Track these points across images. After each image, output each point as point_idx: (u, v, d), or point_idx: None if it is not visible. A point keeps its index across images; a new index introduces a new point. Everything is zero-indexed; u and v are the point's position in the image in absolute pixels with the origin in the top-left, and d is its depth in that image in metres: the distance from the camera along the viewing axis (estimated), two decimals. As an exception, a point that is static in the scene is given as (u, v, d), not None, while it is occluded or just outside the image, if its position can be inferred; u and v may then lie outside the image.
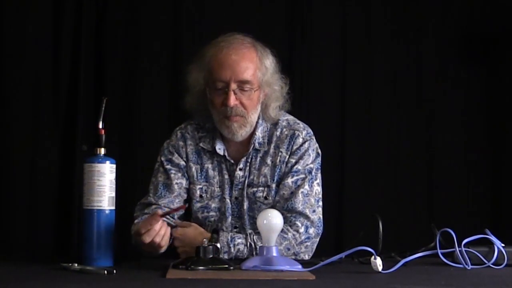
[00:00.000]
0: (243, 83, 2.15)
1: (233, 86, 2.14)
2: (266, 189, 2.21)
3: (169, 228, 1.99)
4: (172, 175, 2.24)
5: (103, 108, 1.96)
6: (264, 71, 2.20)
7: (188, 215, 2.29)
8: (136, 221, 2.18)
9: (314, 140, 2.27)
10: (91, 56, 3.40)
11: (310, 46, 3.50)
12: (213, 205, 2.24)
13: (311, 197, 2.19)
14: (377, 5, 3.57)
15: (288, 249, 2.10)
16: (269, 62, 2.22)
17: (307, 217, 2.15)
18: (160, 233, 1.93)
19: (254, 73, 2.17)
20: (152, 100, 3.42)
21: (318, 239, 2.18)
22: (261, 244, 1.89)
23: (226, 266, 1.80)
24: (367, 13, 3.56)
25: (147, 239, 1.92)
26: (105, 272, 1.72)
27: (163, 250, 1.99)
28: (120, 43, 3.44)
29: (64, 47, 3.38)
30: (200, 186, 2.25)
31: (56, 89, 3.38)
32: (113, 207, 1.94)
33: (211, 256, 1.80)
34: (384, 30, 3.56)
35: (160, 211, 1.99)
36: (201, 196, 2.25)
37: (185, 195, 2.26)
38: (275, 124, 2.25)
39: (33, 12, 3.38)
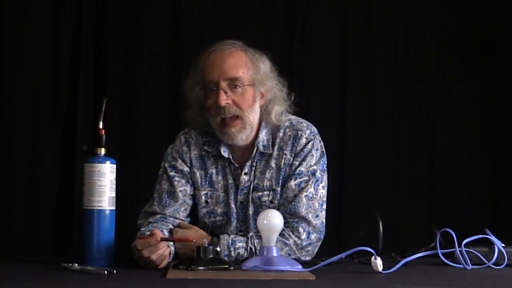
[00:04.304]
0: (232, 80, 2.13)
1: (223, 84, 2.12)
2: (271, 193, 2.19)
3: (168, 249, 1.95)
4: (176, 183, 2.21)
5: (103, 108, 1.96)
6: (255, 70, 2.18)
7: (194, 220, 2.26)
8: (142, 229, 2.13)
9: (319, 139, 2.22)
10: (91, 56, 3.40)
11: (310, 46, 3.50)
12: (219, 210, 2.22)
13: (315, 201, 2.16)
14: (377, 4, 3.57)
15: (289, 255, 2.08)
16: (261, 63, 2.20)
17: (309, 222, 2.12)
18: (158, 252, 1.88)
19: (244, 70, 2.15)
20: (152, 100, 3.42)
21: (319, 243, 2.16)
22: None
23: (227, 266, 1.80)
24: (367, 12, 3.56)
25: (146, 253, 1.88)
26: (105, 272, 1.72)
27: (161, 266, 1.91)
28: (120, 43, 3.44)
29: (64, 47, 3.38)
30: (205, 192, 2.23)
31: (56, 89, 3.38)
32: (113, 207, 1.94)
33: (211, 256, 1.80)
34: (384, 29, 3.55)
35: (160, 235, 1.90)
36: (206, 201, 2.23)
37: (190, 202, 2.23)
38: (278, 126, 2.22)
39: (33, 12, 3.38)
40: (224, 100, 2.12)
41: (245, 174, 2.20)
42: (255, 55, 2.20)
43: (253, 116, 2.17)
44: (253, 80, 2.17)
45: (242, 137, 2.16)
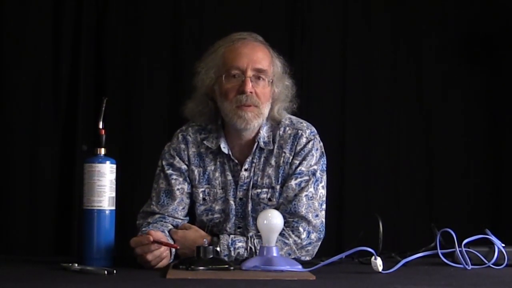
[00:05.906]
0: (259, 72, 2.15)
1: (250, 73, 2.13)
2: (270, 190, 2.19)
3: (168, 252, 1.94)
4: (173, 181, 2.20)
5: (103, 108, 1.96)
6: (276, 68, 2.22)
7: (192, 219, 2.26)
8: (143, 229, 2.12)
9: (318, 139, 2.23)
10: (91, 56, 3.40)
11: (310, 46, 3.50)
12: (217, 207, 2.22)
13: (315, 200, 2.16)
14: (377, 4, 3.57)
15: (289, 254, 2.08)
16: (279, 62, 2.24)
17: (309, 222, 2.12)
18: (154, 253, 1.88)
19: (269, 64, 2.18)
20: (152, 100, 3.42)
21: (319, 243, 2.16)
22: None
23: (227, 266, 1.80)
24: (367, 13, 3.56)
25: (138, 251, 1.88)
26: (105, 272, 1.72)
27: (160, 266, 1.91)
28: (120, 43, 3.44)
29: (64, 47, 3.38)
30: (203, 189, 2.22)
31: (56, 89, 3.38)
32: (113, 207, 1.94)
33: (211, 256, 1.80)
34: (384, 29, 3.56)
35: (154, 236, 1.89)
36: (204, 199, 2.22)
37: (188, 201, 2.22)
38: (278, 123, 2.22)
39: (33, 12, 3.38)
40: (250, 88, 2.13)
41: (245, 170, 2.20)
42: (274, 53, 2.24)
43: (267, 110, 2.19)
44: (273, 77, 2.20)
45: (255, 125, 2.16)
